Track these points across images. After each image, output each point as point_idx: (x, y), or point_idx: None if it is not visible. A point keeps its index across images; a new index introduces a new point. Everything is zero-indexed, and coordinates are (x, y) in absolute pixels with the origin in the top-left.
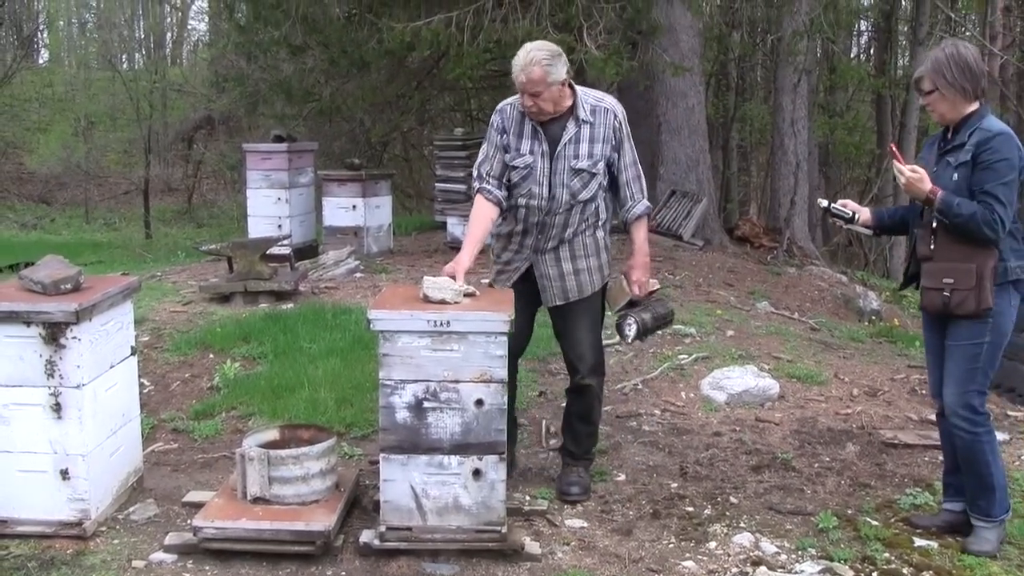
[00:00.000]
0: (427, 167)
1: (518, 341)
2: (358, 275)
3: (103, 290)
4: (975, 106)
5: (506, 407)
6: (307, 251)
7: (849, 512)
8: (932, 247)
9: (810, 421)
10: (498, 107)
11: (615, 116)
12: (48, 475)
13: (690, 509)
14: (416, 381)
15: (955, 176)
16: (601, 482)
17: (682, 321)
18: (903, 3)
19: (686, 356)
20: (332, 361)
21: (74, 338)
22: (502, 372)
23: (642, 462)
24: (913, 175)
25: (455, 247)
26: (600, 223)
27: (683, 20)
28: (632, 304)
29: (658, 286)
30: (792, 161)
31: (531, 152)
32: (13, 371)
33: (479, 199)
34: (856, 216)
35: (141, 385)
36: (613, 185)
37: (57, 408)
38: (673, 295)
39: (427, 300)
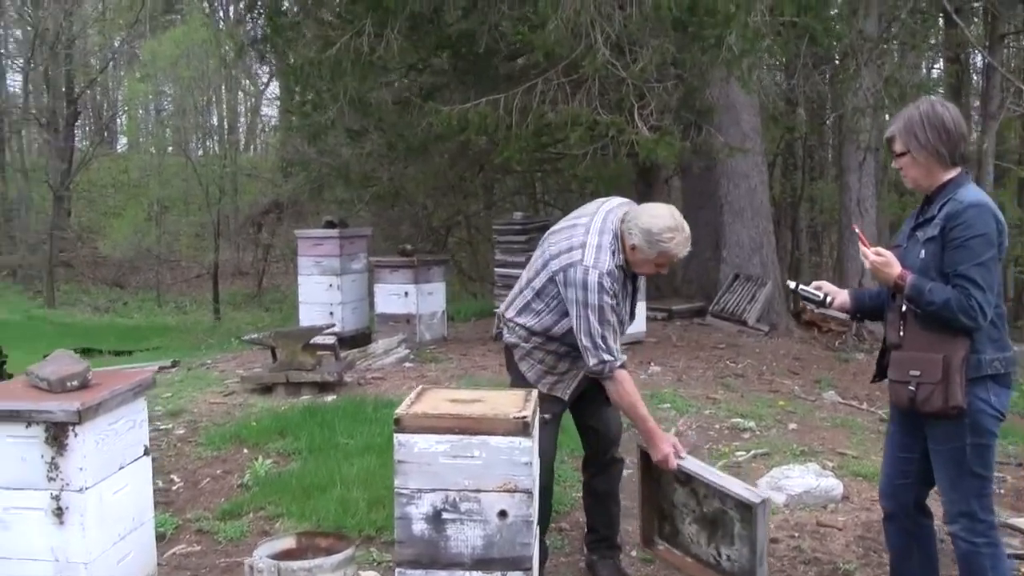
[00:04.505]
0: (492, 251)
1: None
2: (408, 364)
3: (111, 387)
4: (953, 173)
5: (532, 519)
6: (360, 339)
7: None
8: (901, 334)
9: (876, 526)
10: (603, 271)
11: None
12: None
13: None
14: (434, 490)
15: (922, 253)
16: None
17: (741, 414)
18: (974, 77)
19: (744, 453)
20: (368, 458)
21: (77, 439)
22: (527, 481)
23: None
24: (878, 259)
25: None
26: None
27: (744, 98)
28: None
29: None
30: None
31: (624, 298)
32: (15, 473)
33: (627, 376)
34: (829, 299)
35: (170, 482)
36: None
37: (59, 513)
38: (734, 385)
39: None
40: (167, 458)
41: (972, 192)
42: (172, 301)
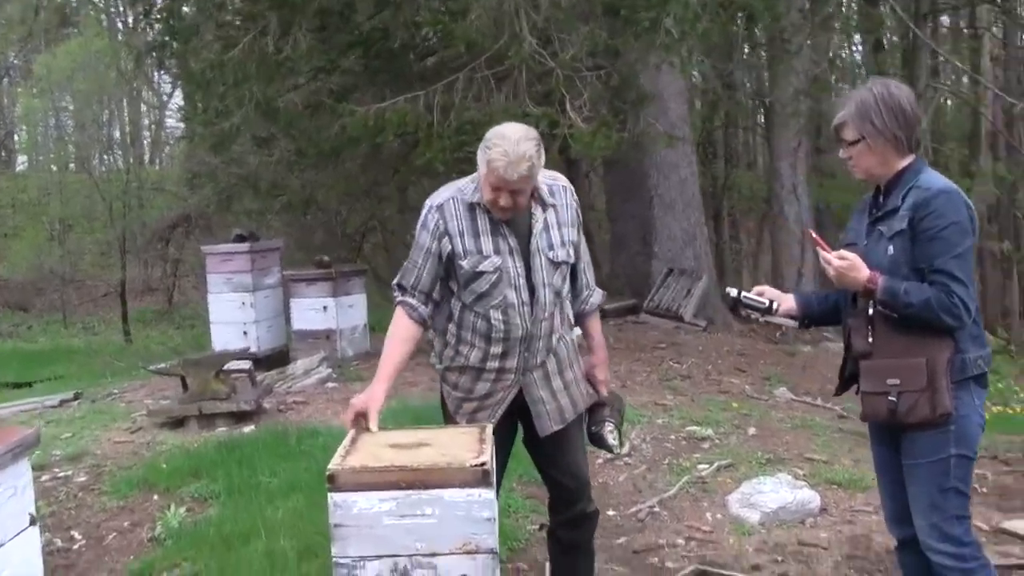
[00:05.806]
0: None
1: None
2: (331, 385)
3: None
4: (909, 159)
5: None
6: (277, 358)
7: None
8: (870, 340)
9: (863, 540)
10: (432, 204)
11: (572, 194)
12: None
13: None
14: (380, 557)
15: (890, 249)
16: None
17: (696, 421)
18: (892, 59)
19: (706, 465)
20: (295, 499)
21: None
22: (491, 540)
23: None
24: (842, 263)
25: None
26: (571, 321)
27: (671, 87)
28: (597, 406)
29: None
30: (795, 229)
31: (497, 252)
32: None
33: (400, 315)
34: (775, 306)
35: (70, 540)
36: (571, 273)
37: None
38: (681, 388)
39: None
40: (66, 511)
41: (936, 178)
42: (79, 322)
